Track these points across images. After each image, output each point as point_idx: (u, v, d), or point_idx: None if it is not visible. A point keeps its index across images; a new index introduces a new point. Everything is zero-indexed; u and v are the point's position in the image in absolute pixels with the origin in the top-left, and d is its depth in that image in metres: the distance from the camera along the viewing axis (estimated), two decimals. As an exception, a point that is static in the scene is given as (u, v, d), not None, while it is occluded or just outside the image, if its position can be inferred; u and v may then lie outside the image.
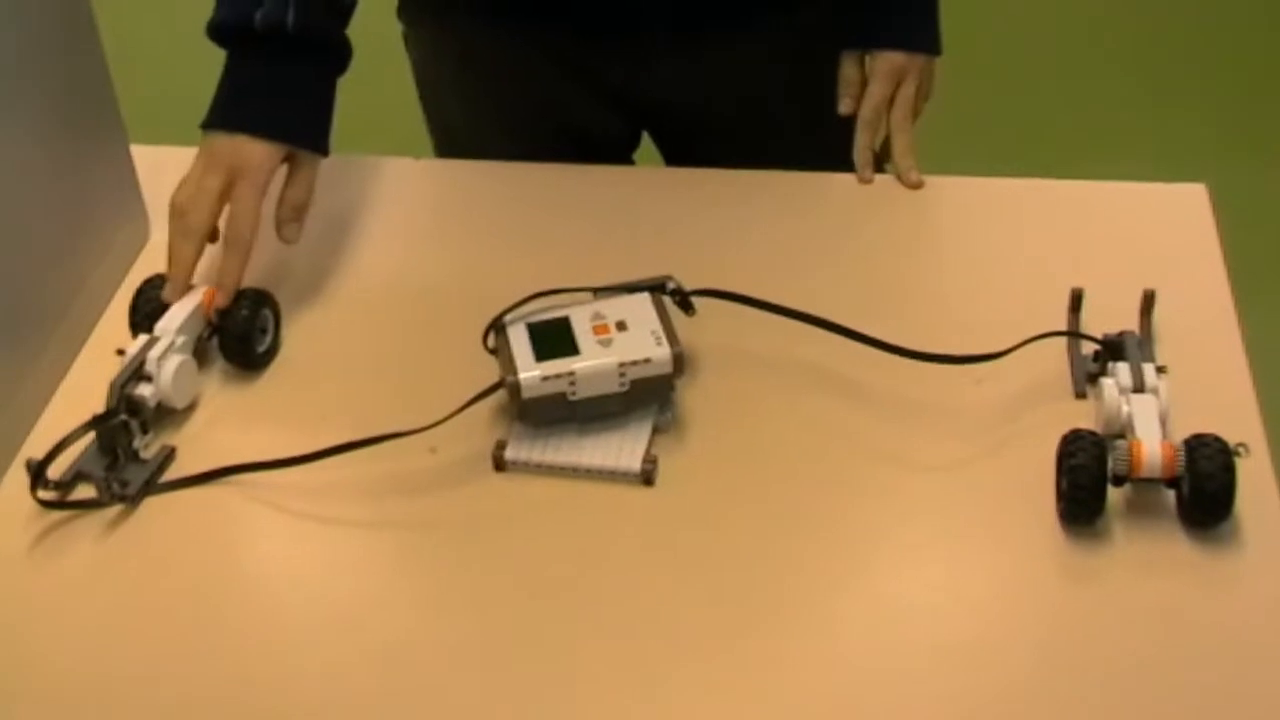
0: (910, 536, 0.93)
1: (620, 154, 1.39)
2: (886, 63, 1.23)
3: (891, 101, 1.24)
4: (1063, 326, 1.04)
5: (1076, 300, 1.06)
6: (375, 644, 0.87)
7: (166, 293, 1.05)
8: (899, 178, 1.21)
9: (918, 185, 1.21)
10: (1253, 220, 1.86)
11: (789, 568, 0.90)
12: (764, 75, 1.27)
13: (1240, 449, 0.94)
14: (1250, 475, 0.90)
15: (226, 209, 1.07)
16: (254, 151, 1.07)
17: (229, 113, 1.09)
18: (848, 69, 1.25)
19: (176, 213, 1.06)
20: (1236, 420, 0.94)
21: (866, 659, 0.85)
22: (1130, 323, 1.03)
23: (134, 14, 2.68)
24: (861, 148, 1.23)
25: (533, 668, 0.86)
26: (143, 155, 1.16)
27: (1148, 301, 1.05)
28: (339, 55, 1.13)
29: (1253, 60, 2.91)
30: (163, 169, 1.20)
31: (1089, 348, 1.02)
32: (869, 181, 1.21)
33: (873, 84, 1.24)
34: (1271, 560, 0.90)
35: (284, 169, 1.10)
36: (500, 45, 1.26)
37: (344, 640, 0.88)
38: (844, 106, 1.25)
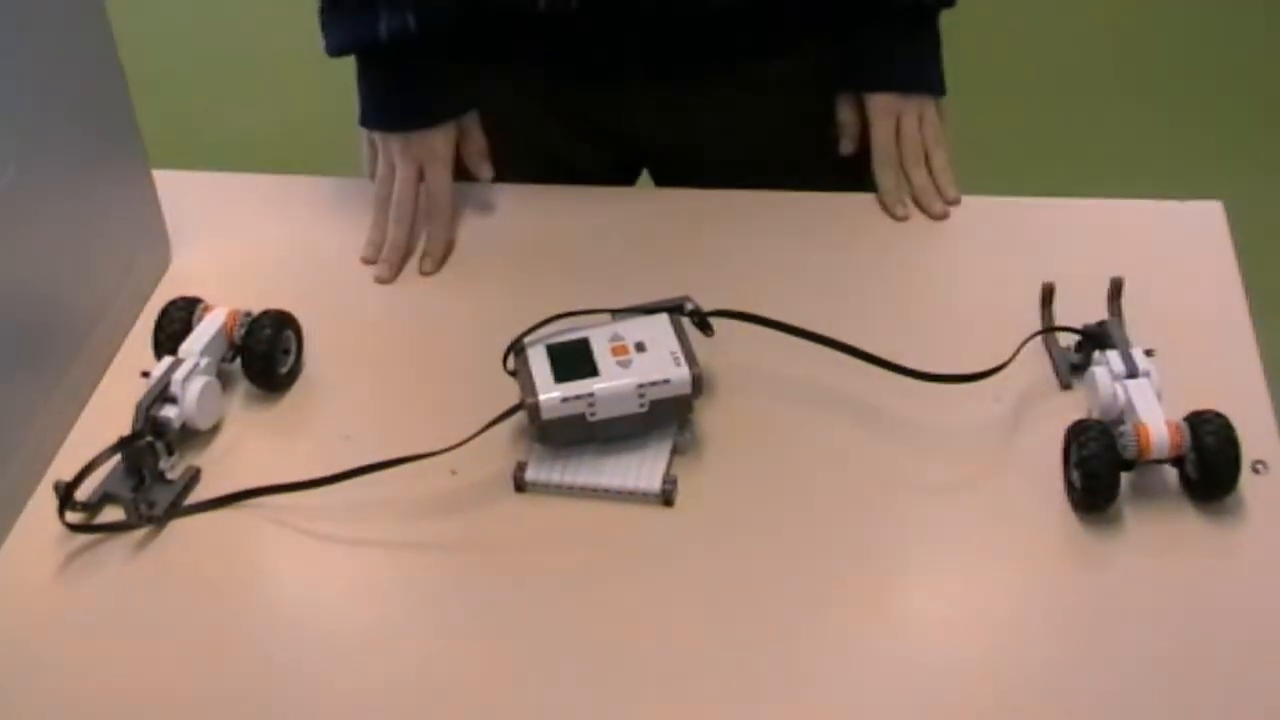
0: (929, 548, 0.94)
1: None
2: (880, 102, 1.22)
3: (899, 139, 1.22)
4: (1064, 336, 1.05)
5: (1048, 295, 1.07)
6: (398, 664, 0.88)
7: (383, 273, 1.17)
8: (922, 211, 1.21)
9: (940, 216, 1.20)
10: (1269, 237, 1.85)
11: (809, 587, 0.91)
12: (751, 122, 1.27)
13: (1259, 467, 0.95)
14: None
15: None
16: (435, 139, 1.20)
17: (397, 115, 1.20)
18: (843, 111, 1.25)
19: (383, 205, 1.20)
20: (1254, 436, 0.94)
21: (890, 677, 0.86)
22: (1150, 330, 1.03)
23: (155, 39, 2.69)
24: (884, 189, 1.22)
25: (553, 687, 0.86)
26: (164, 180, 1.17)
27: (1115, 289, 1.06)
28: (458, 26, 1.19)
29: (1268, 76, 2.91)
30: (184, 193, 1.22)
31: (1066, 340, 1.04)
32: (904, 218, 1.20)
33: (872, 126, 1.23)
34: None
35: None
36: (486, 80, 1.26)
37: (367, 660, 0.88)
38: (844, 148, 1.25)
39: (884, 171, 1.22)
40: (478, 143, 1.23)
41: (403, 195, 1.20)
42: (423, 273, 1.18)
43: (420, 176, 1.20)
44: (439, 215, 1.20)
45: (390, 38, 1.16)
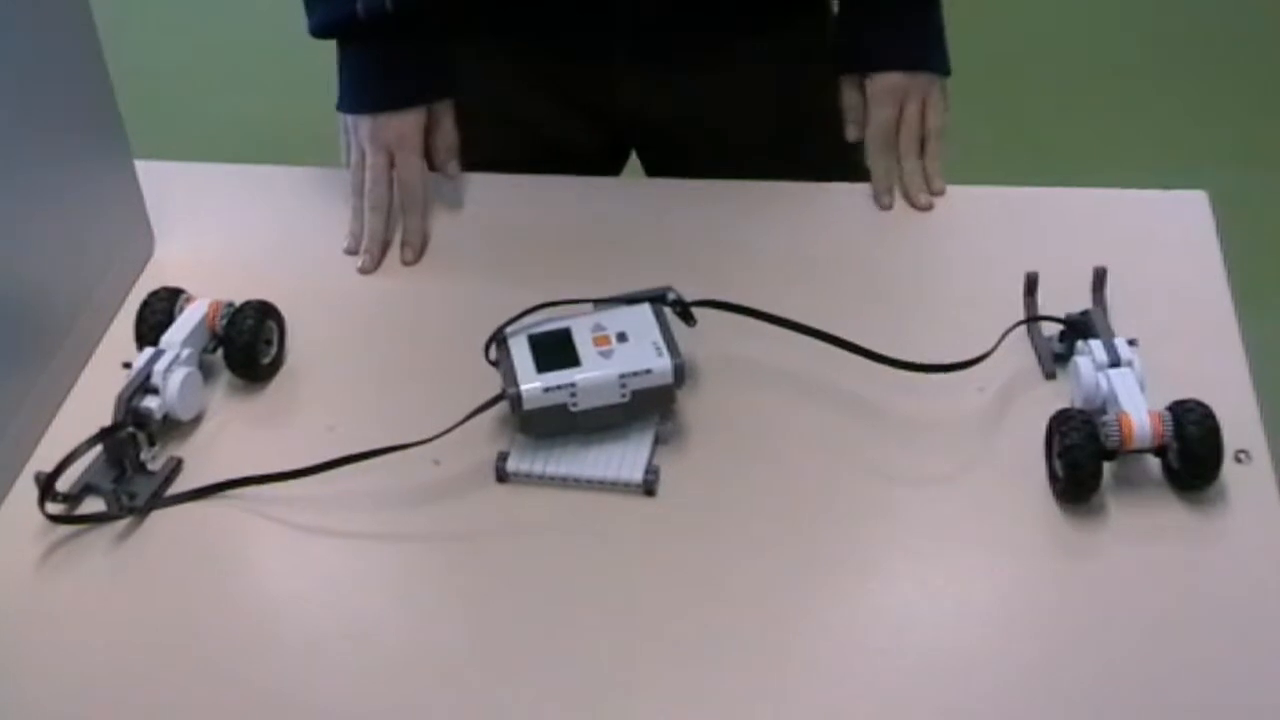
0: (911, 539, 0.94)
1: (603, 171, 1.38)
2: (884, 84, 1.20)
3: (899, 123, 1.21)
4: (1048, 326, 1.05)
5: (1032, 284, 1.07)
6: (380, 655, 0.88)
7: (365, 263, 1.17)
8: (907, 200, 1.20)
9: (925, 208, 1.19)
10: (1253, 227, 1.86)
11: (791, 577, 0.91)
12: (738, 97, 1.26)
13: (1241, 456, 0.95)
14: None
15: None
16: (404, 123, 1.19)
17: (368, 97, 1.20)
18: (848, 94, 1.23)
19: (359, 193, 1.19)
20: (1237, 425, 0.95)
21: (871, 667, 0.86)
22: (1134, 320, 1.04)
23: (138, 29, 2.68)
24: (876, 175, 1.20)
25: (536, 678, 0.86)
26: (147, 170, 1.17)
27: (1099, 278, 1.07)
28: (438, 11, 1.18)
29: (1252, 66, 2.91)
30: (167, 183, 1.22)
31: (1050, 330, 1.04)
32: (888, 207, 1.19)
33: (873, 107, 1.21)
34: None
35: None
36: (472, 58, 1.26)
37: (349, 651, 0.88)
38: (850, 133, 1.22)
39: (878, 157, 1.20)
40: (447, 137, 1.22)
41: (375, 182, 1.19)
42: (404, 262, 1.18)
43: (392, 163, 1.19)
44: (412, 204, 1.19)
45: (367, 15, 1.15)
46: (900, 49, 1.20)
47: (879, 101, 1.20)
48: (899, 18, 1.21)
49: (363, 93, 1.20)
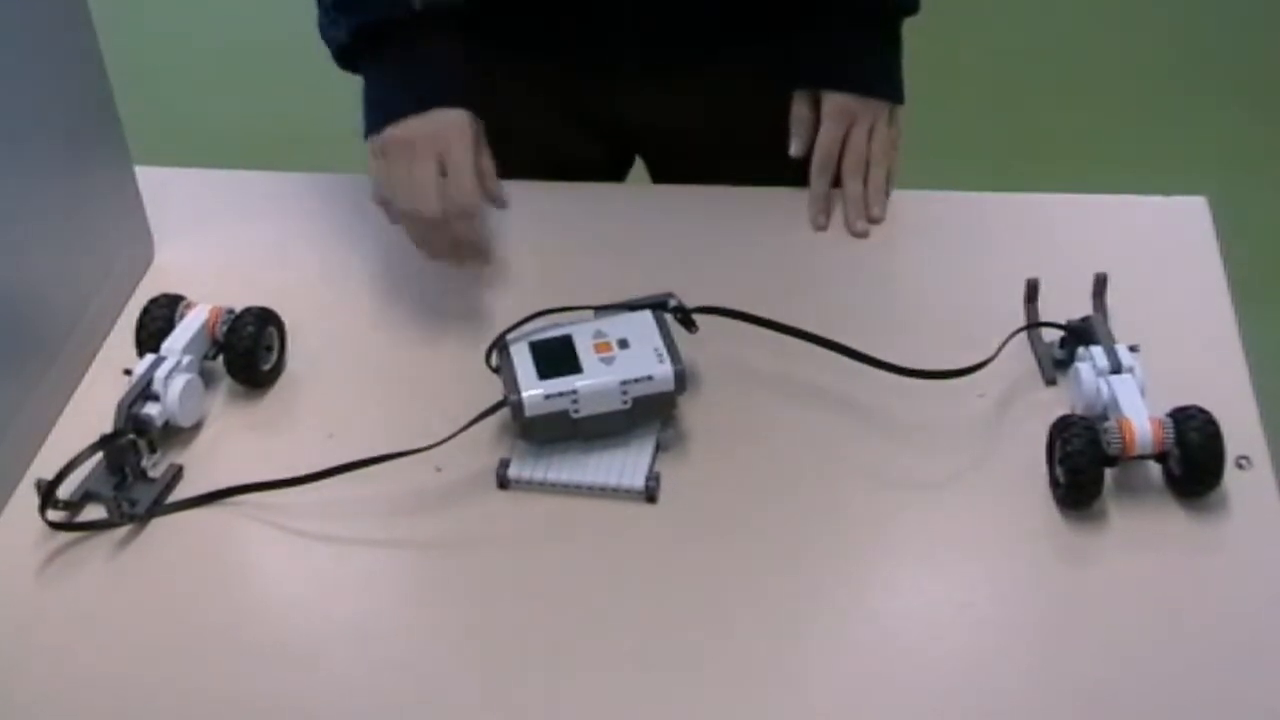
0: (912, 544, 0.94)
1: (606, 178, 1.38)
2: (835, 104, 1.20)
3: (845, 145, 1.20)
4: (1048, 332, 1.05)
5: (1033, 291, 1.08)
6: (380, 661, 0.88)
7: (439, 256, 1.09)
8: (845, 223, 1.19)
9: (859, 234, 1.18)
10: (1253, 232, 1.86)
11: (793, 582, 0.91)
12: (740, 103, 1.26)
13: (1242, 462, 0.95)
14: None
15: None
16: (455, 118, 1.09)
17: (413, 95, 1.10)
18: (799, 108, 1.21)
19: (409, 218, 1.09)
20: (1238, 431, 0.95)
21: (873, 672, 0.86)
22: (1135, 326, 1.04)
23: (138, 35, 2.68)
24: (814, 194, 1.20)
25: (537, 684, 0.86)
26: (147, 176, 1.17)
27: (1099, 284, 1.07)
28: (458, 17, 1.14)
29: (1252, 71, 2.91)
30: (168, 189, 1.22)
31: (1051, 336, 1.04)
32: (823, 228, 1.19)
33: (822, 126, 1.20)
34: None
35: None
36: (475, 69, 1.26)
37: (350, 658, 0.88)
38: (794, 148, 1.21)
39: (818, 176, 1.20)
40: (486, 158, 1.13)
41: (427, 198, 1.07)
42: (481, 266, 1.13)
43: (441, 170, 1.08)
44: (473, 207, 1.08)
45: (425, 5, 1.10)
46: (858, 71, 1.20)
47: (829, 119, 1.20)
48: (856, 42, 1.20)
49: (409, 91, 1.10)
